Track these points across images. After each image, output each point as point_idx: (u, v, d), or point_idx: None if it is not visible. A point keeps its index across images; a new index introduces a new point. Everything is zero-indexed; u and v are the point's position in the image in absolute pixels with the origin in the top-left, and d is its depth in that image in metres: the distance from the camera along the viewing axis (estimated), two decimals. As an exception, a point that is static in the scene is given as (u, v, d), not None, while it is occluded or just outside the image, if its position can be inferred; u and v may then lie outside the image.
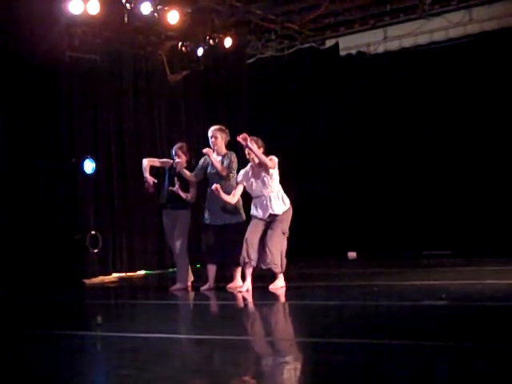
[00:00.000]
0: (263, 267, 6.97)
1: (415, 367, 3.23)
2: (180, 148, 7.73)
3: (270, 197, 7.01)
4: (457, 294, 5.83)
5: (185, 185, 7.58)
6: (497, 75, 10.44)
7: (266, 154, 7.11)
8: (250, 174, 7.07)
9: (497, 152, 10.42)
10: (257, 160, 6.98)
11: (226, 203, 7.18)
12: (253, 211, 7.15)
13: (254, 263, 6.94)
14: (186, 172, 7.51)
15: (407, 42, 11.50)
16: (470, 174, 10.60)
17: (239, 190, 7.18)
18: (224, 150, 7.53)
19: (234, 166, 7.44)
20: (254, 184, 7.05)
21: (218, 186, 7.03)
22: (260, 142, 7.11)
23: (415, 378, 3.02)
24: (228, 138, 7.60)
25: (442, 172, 10.87)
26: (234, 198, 7.14)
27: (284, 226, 7.02)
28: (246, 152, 7.04)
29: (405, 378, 3.04)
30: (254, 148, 6.91)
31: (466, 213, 10.57)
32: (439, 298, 5.50)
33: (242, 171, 7.18)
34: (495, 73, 10.45)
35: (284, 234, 7.03)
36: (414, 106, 11.15)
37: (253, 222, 7.10)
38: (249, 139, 6.87)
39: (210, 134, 7.57)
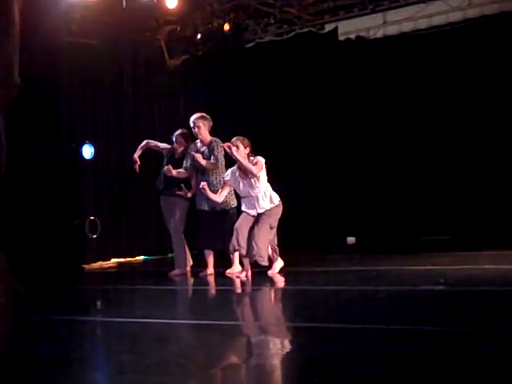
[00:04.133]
0: (249, 260, 7.01)
1: (413, 352, 3.25)
2: (181, 134, 7.74)
3: (257, 197, 7.05)
4: (455, 279, 5.85)
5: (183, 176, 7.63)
6: (497, 59, 10.40)
7: (256, 150, 7.16)
8: (238, 174, 7.08)
9: (496, 137, 10.40)
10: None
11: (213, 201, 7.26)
12: (242, 207, 7.23)
13: (243, 251, 6.97)
14: (174, 172, 7.49)
15: (407, 27, 11.43)
16: (470, 159, 10.58)
17: (226, 189, 7.24)
18: (208, 138, 7.55)
19: (221, 155, 7.46)
20: (242, 185, 7.09)
21: (205, 184, 7.09)
22: (246, 141, 7.10)
23: (413, 362, 3.04)
24: (211, 124, 7.61)
25: (441, 157, 10.85)
26: (220, 197, 7.22)
27: (272, 220, 7.05)
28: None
29: (403, 362, 3.05)
30: (239, 157, 6.91)
31: (464, 198, 10.57)
32: (437, 282, 5.52)
33: (229, 171, 7.20)
34: (495, 57, 10.41)
35: (272, 228, 7.07)
36: (414, 90, 11.12)
37: (243, 215, 7.16)
38: (233, 148, 6.89)
39: (191, 124, 7.55)
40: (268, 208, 7.05)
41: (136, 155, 7.75)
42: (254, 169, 6.91)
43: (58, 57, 9.79)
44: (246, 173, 6.99)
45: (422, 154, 11.02)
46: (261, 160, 6.99)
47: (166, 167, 7.53)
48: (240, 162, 6.94)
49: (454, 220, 10.56)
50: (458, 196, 10.63)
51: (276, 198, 7.12)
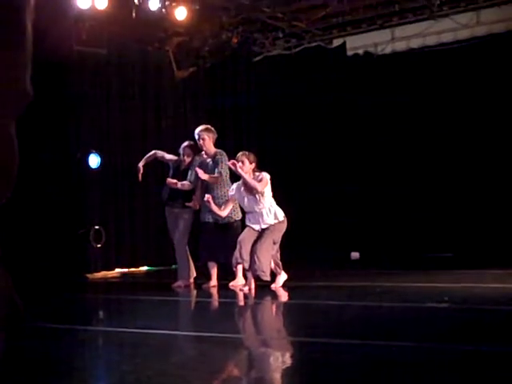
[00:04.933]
0: (248, 276, 7.00)
1: (415, 369, 3.23)
2: (188, 146, 7.75)
3: (261, 213, 7.06)
4: (459, 297, 5.83)
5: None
6: (504, 78, 10.40)
7: (262, 165, 7.18)
8: (242, 189, 7.08)
9: (501, 155, 10.39)
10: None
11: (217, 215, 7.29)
12: (247, 222, 7.25)
13: (246, 264, 6.96)
14: (178, 184, 7.50)
15: (415, 43, 11.46)
16: (474, 176, 10.57)
17: (230, 204, 7.28)
18: (213, 150, 7.56)
19: (225, 167, 7.46)
20: (246, 200, 7.09)
21: (210, 197, 7.13)
22: (252, 156, 7.10)
23: (415, 380, 3.02)
24: (216, 136, 7.63)
25: (446, 174, 10.84)
26: (224, 211, 7.25)
27: (275, 236, 7.05)
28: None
29: (404, 379, 3.03)
30: (244, 174, 6.91)
31: (469, 216, 10.54)
32: (442, 300, 5.49)
33: (235, 186, 7.22)
34: (503, 75, 10.41)
35: (275, 244, 7.06)
36: (420, 107, 11.12)
37: (247, 229, 7.18)
38: (238, 165, 6.90)
39: (196, 136, 7.57)
40: (272, 223, 7.05)
41: (140, 164, 7.80)
42: (258, 186, 6.90)
43: (67, 65, 9.85)
44: (250, 189, 6.99)
45: (428, 170, 11.01)
46: (266, 176, 6.99)
47: (168, 179, 7.55)
48: (245, 179, 6.94)
49: (458, 238, 10.54)
50: (463, 214, 10.61)
51: (280, 214, 7.11)
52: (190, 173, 7.63)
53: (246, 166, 6.98)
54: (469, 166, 10.64)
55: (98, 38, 10.25)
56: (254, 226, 7.09)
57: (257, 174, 7.04)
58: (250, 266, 6.93)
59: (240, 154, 7.10)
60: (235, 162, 6.95)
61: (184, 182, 7.56)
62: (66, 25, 9.33)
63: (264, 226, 7.04)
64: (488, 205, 10.42)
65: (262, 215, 7.05)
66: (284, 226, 7.12)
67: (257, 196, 6.99)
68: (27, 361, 3.67)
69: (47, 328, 4.83)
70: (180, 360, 3.75)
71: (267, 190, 7.03)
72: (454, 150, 10.76)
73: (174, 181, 7.49)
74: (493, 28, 10.71)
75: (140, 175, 7.75)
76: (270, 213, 7.06)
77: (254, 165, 7.08)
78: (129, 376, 3.23)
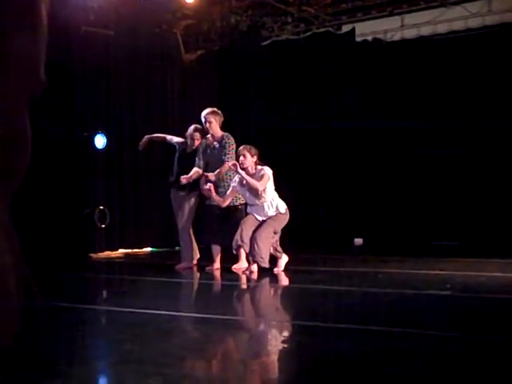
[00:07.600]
0: (250, 261, 7.02)
1: (415, 356, 3.24)
2: (198, 130, 7.73)
3: (263, 206, 7.06)
4: (462, 285, 5.83)
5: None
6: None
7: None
8: (244, 182, 7.06)
9: (510, 145, 10.34)
10: (251, 171, 6.99)
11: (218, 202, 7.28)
12: (248, 210, 7.25)
13: (246, 248, 6.97)
14: (185, 180, 7.51)
15: (425, 31, 11.38)
16: (483, 165, 10.53)
17: (231, 195, 7.25)
18: (219, 133, 7.54)
19: (232, 152, 7.43)
20: (248, 193, 7.08)
21: (212, 186, 7.12)
22: (253, 150, 7.08)
23: (413, 367, 3.03)
24: (222, 119, 7.60)
25: (452, 163, 10.80)
26: (224, 202, 7.23)
27: (276, 225, 7.06)
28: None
29: (403, 366, 3.05)
30: (245, 175, 6.89)
31: (477, 205, 10.52)
32: (444, 288, 5.50)
33: (237, 178, 7.17)
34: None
35: (275, 233, 7.07)
36: (429, 94, 11.06)
37: (250, 215, 7.18)
38: (238, 166, 6.88)
39: (203, 119, 7.54)
40: (274, 214, 7.06)
41: (147, 136, 7.95)
42: (259, 186, 6.88)
43: (74, 46, 9.85)
44: (251, 187, 6.97)
45: (434, 157, 10.97)
46: (268, 172, 6.96)
47: (181, 177, 7.49)
48: (246, 180, 6.92)
49: (465, 226, 10.52)
50: (469, 202, 10.58)
51: (282, 207, 7.11)
52: (197, 158, 7.61)
53: (247, 160, 6.97)
54: (477, 155, 10.60)
55: (106, 18, 10.23)
56: (256, 216, 7.10)
57: (259, 168, 7.02)
58: (250, 252, 6.95)
59: (241, 147, 7.08)
60: (236, 163, 6.93)
61: (192, 173, 7.51)
62: (74, 5, 9.30)
63: (265, 218, 7.05)
64: (496, 194, 10.39)
65: (263, 208, 7.05)
66: (286, 218, 7.12)
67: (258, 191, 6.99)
68: (28, 339, 3.70)
69: (49, 306, 4.86)
70: (182, 341, 3.77)
71: (269, 184, 7.02)
72: (461, 138, 10.70)
73: (184, 178, 7.44)
74: (504, 17, 10.62)
75: (140, 146, 7.90)
76: (272, 206, 7.06)
77: (255, 158, 7.06)
78: (130, 356, 3.25)
